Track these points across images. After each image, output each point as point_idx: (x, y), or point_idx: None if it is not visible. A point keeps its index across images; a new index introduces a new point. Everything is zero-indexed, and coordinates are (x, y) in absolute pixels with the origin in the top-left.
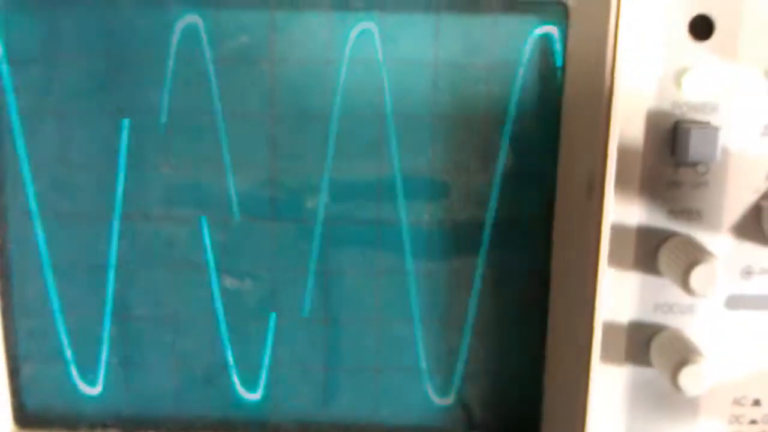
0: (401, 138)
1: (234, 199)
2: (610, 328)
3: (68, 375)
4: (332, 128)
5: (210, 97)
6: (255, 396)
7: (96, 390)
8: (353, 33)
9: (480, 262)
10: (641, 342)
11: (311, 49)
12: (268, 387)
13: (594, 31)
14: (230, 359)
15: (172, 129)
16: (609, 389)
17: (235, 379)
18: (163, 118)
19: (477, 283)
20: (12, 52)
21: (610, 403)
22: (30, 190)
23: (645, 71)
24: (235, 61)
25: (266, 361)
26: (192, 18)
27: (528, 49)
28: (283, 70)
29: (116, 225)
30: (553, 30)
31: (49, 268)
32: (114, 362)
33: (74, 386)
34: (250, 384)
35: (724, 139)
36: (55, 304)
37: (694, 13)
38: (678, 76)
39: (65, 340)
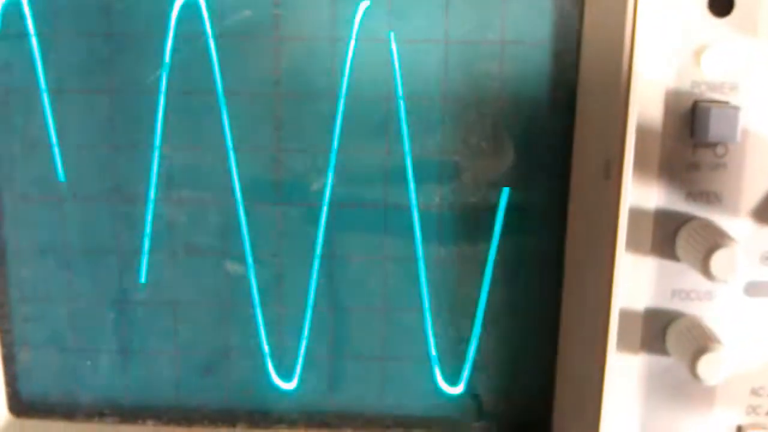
0: (410, 119)
1: (236, 181)
2: (625, 316)
3: (66, 362)
4: (339, 108)
5: (211, 75)
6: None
7: (95, 378)
8: (361, 8)
9: (492, 248)
10: (658, 329)
11: (317, 25)
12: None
13: (611, 9)
14: (232, 346)
15: (172, 109)
16: (624, 378)
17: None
18: (162, 97)
19: (489, 270)
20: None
21: (625, 393)
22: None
23: (663, 50)
24: (237, 37)
25: (266, 349)
26: None
27: (540, 27)
28: (288, 48)
29: (115, 208)
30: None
31: (47, 253)
32: (113, 350)
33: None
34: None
35: (744, 120)
36: (53, 289)
37: None
38: (697, 55)
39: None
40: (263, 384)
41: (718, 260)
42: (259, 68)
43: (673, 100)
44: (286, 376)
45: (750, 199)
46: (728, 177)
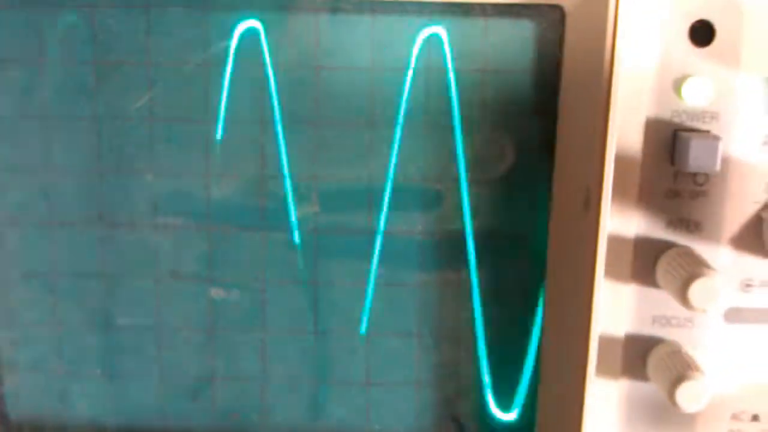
0: (392, 145)
1: (220, 207)
2: (606, 341)
3: (53, 386)
4: (325, 133)
5: (198, 102)
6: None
7: (84, 403)
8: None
9: (473, 276)
10: (638, 356)
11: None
12: (260, 401)
13: (591, 37)
14: (217, 372)
15: (155, 134)
16: (604, 404)
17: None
18: (146, 124)
19: (472, 297)
20: None
21: (605, 419)
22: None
23: (644, 78)
24: (220, 66)
25: (258, 373)
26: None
27: (520, 54)
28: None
29: (99, 233)
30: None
31: (32, 277)
32: (98, 373)
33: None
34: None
35: (725, 149)
36: (39, 314)
37: (694, 18)
38: (678, 84)
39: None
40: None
41: (696, 289)
42: (247, 95)
43: (653, 128)
44: (274, 401)
45: (730, 227)
46: (709, 205)
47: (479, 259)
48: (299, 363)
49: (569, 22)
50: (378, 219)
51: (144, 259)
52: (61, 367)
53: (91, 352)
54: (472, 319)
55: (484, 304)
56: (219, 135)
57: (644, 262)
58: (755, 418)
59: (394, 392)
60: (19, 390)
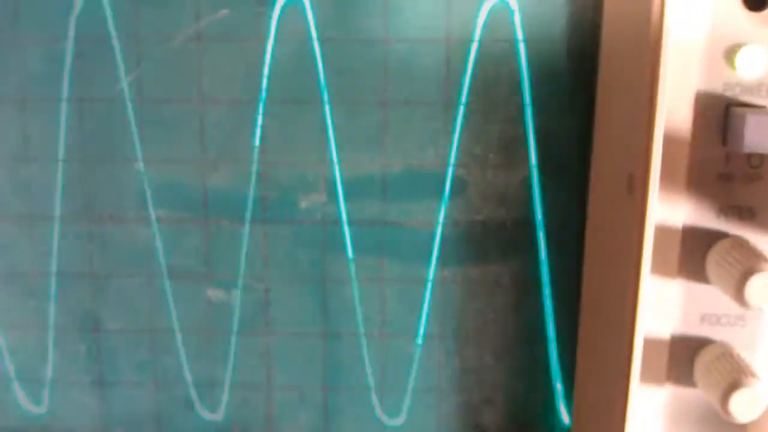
0: (404, 128)
1: (216, 198)
2: (650, 343)
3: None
4: (328, 115)
5: (187, 81)
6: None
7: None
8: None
9: (502, 270)
10: (685, 358)
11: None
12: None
13: (634, 3)
14: (216, 378)
15: (142, 118)
16: (648, 412)
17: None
18: (130, 106)
19: (497, 294)
20: None
21: (650, 428)
22: None
23: (692, 48)
24: (213, 40)
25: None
26: None
27: (555, 22)
28: (269, 48)
29: (84, 228)
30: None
31: (13, 278)
32: (87, 381)
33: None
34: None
35: None
36: (23, 317)
37: None
38: (730, 53)
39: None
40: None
41: (753, 286)
42: (239, 73)
43: (703, 104)
44: (280, 410)
45: None
46: (764, 190)
47: (508, 254)
48: (307, 369)
49: None
50: (393, 210)
51: (135, 256)
52: (47, 375)
53: (80, 358)
54: (493, 320)
55: (509, 304)
56: (216, 117)
57: (693, 254)
58: None
59: (411, 399)
60: (6, 397)
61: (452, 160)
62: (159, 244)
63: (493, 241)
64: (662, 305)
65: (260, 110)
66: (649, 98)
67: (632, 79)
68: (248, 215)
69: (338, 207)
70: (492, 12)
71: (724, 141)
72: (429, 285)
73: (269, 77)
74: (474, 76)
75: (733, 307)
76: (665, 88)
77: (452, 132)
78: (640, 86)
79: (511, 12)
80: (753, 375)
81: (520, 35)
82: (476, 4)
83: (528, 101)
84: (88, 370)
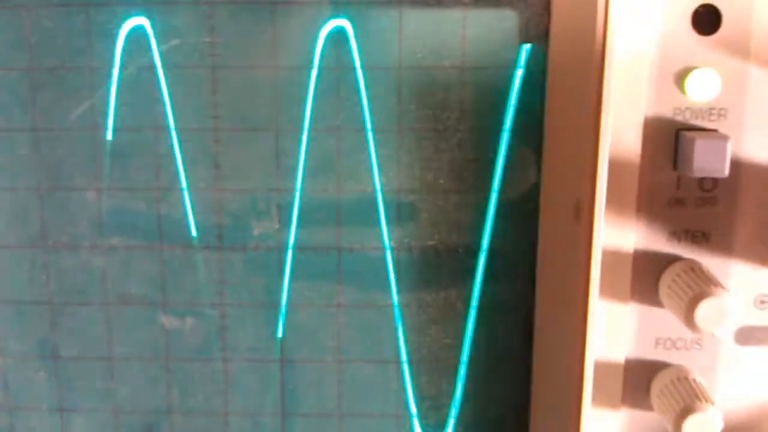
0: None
1: (172, 224)
2: (604, 367)
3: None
4: (280, 142)
5: (141, 107)
6: None
7: None
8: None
9: (456, 295)
10: (640, 382)
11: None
12: None
13: (580, 26)
14: (173, 405)
15: (97, 146)
16: None
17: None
18: (87, 134)
19: (452, 319)
20: None
21: None
22: None
23: (641, 71)
24: (171, 68)
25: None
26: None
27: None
28: (225, 77)
29: (39, 256)
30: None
31: None
32: (44, 408)
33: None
34: None
35: (734, 150)
36: None
37: (697, 3)
38: (680, 77)
39: None
40: None
41: (704, 311)
42: (197, 100)
43: (652, 127)
44: None
45: (742, 237)
46: (717, 213)
47: (466, 279)
48: (263, 395)
49: (555, 7)
50: (348, 235)
51: (89, 283)
52: (4, 403)
53: (35, 386)
54: (455, 345)
55: (471, 329)
56: (168, 145)
57: (645, 278)
58: None
59: (371, 424)
60: None
61: (402, 186)
62: (113, 271)
63: (446, 266)
64: (615, 329)
65: (213, 138)
66: (594, 122)
67: (578, 104)
68: (202, 242)
69: (291, 233)
70: (442, 36)
71: (675, 165)
72: (385, 310)
73: (221, 105)
74: (422, 103)
75: (689, 331)
76: (609, 111)
77: (402, 158)
78: (586, 110)
79: (462, 39)
80: (707, 400)
81: (463, 62)
82: (458, 32)
83: (479, 127)
84: (47, 398)
